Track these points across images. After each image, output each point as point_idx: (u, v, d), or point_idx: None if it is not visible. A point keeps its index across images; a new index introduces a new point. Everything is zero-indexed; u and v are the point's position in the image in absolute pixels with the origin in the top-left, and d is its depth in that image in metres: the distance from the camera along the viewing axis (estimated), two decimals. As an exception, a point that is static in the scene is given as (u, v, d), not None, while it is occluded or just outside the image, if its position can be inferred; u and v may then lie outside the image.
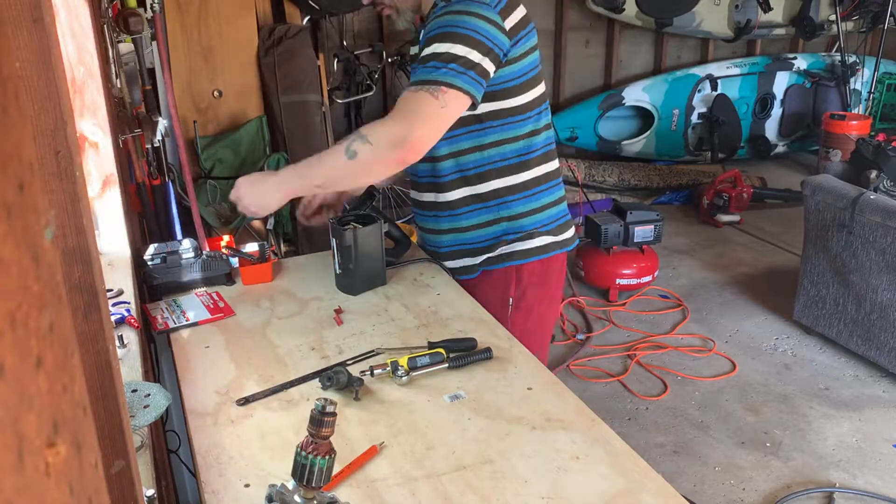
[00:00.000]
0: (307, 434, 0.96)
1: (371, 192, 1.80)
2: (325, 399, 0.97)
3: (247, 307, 1.67)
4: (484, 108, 1.58)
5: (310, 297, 1.71)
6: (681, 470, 2.59)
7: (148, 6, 3.01)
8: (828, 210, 3.16)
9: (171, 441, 1.70)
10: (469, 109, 1.51)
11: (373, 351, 1.46)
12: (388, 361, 1.36)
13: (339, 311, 1.63)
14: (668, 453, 2.68)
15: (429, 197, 1.76)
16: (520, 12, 1.62)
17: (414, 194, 1.83)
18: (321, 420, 0.95)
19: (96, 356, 0.58)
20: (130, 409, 1.14)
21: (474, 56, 1.48)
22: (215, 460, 1.15)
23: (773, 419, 2.85)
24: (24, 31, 0.48)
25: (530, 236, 1.73)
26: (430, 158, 1.64)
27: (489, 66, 1.52)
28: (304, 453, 0.96)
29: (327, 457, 0.96)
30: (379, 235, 1.72)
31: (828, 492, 2.46)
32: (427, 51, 1.50)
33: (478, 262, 1.76)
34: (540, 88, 1.69)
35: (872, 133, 4.75)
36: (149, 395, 1.18)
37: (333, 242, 1.71)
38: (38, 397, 0.29)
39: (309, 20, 4.05)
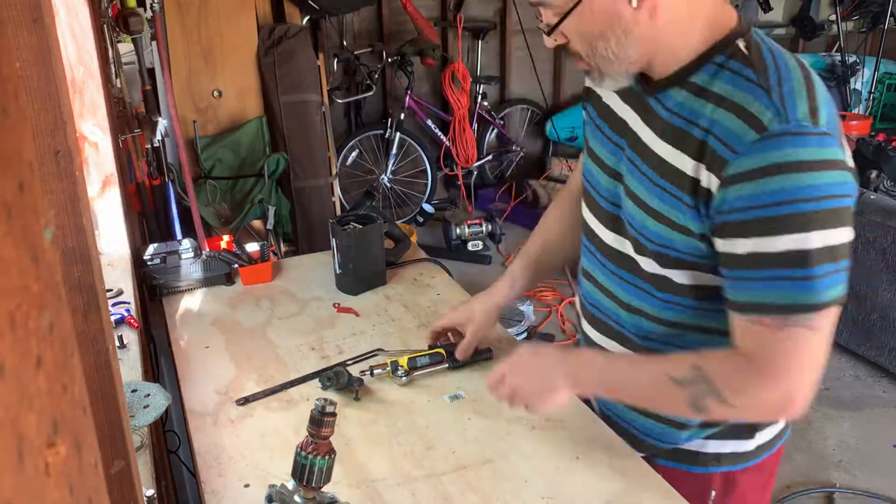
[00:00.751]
0: (307, 434, 0.95)
1: (370, 191, 1.85)
2: (325, 399, 0.96)
3: (247, 307, 1.67)
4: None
5: (310, 297, 1.71)
6: (681, 470, 2.59)
7: (148, 6, 3.02)
8: (828, 210, 3.16)
9: (171, 441, 1.70)
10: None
11: (373, 351, 1.46)
12: (388, 361, 1.36)
13: (339, 306, 1.66)
14: (668, 453, 2.68)
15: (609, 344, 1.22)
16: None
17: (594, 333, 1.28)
18: (321, 420, 0.95)
19: (96, 356, 0.58)
20: (130, 409, 1.14)
21: (846, 237, 0.92)
22: (215, 460, 1.15)
23: (773, 419, 2.85)
24: (24, 31, 0.48)
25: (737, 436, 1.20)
26: (638, 310, 1.13)
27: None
28: (304, 453, 0.95)
29: (327, 457, 0.95)
30: (379, 235, 1.72)
31: (828, 492, 2.46)
32: (764, 244, 0.90)
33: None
34: None
35: (873, 133, 4.75)
36: (149, 395, 1.18)
37: (333, 242, 1.71)
38: (38, 397, 0.29)
39: (309, 20, 4.05)
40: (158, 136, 2.76)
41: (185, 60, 3.49)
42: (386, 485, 1.09)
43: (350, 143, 4.61)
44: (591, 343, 1.26)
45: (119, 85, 2.66)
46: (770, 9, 5.49)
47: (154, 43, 3.22)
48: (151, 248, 1.81)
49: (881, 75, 5.79)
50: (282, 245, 3.75)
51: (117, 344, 1.40)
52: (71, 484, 0.32)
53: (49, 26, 0.49)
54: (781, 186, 0.87)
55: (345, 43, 4.53)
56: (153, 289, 1.73)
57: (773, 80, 0.91)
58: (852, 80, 5.67)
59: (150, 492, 1.03)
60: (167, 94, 3.14)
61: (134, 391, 1.19)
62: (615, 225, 1.12)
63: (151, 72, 3.30)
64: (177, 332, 1.58)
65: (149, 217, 3.00)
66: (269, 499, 0.98)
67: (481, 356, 1.40)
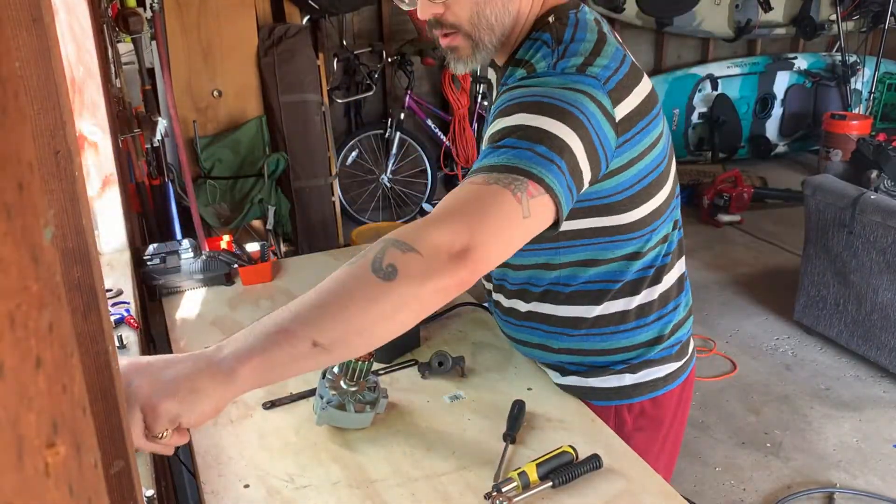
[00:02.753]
0: None
1: None
2: None
3: (247, 307, 1.67)
4: (567, 225, 1.09)
5: (310, 297, 1.71)
6: (681, 470, 2.58)
7: (148, 6, 3.02)
8: (828, 210, 3.16)
9: (171, 441, 1.70)
10: (548, 229, 0.97)
11: (408, 361, 1.43)
12: (516, 474, 1.08)
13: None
14: (668, 453, 2.68)
15: (510, 304, 1.29)
16: (642, 90, 1.11)
17: (497, 296, 1.33)
18: None
19: (96, 356, 0.58)
20: (130, 409, 1.13)
21: (577, 147, 0.97)
22: (215, 460, 1.15)
23: (773, 419, 2.85)
24: (23, 30, 0.48)
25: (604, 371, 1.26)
26: (518, 266, 1.22)
27: (586, 176, 1.00)
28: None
29: (365, 362, 1.17)
30: None
31: (828, 492, 2.46)
32: (504, 122, 0.98)
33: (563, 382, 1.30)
34: (662, 195, 1.16)
35: (873, 133, 4.75)
36: (149, 395, 1.18)
37: None
38: (37, 397, 0.29)
39: (309, 20, 4.05)
40: (158, 136, 2.76)
41: (185, 60, 3.49)
42: (386, 485, 1.09)
43: (350, 143, 4.61)
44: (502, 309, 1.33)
45: (119, 85, 2.66)
46: (770, 8, 5.49)
47: (154, 43, 3.22)
48: (151, 248, 1.81)
49: (881, 75, 5.79)
50: (282, 245, 3.75)
51: (117, 344, 1.40)
52: (71, 484, 0.32)
53: (49, 26, 0.49)
54: (525, 91, 1.02)
55: (345, 43, 4.53)
56: (153, 289, 1.73)
57: (565, 42, 1.06)
58: (852, 79, 5.67)
59: (150, 492, 1.03)
60: (167, 94, 3.14)
61: (134, 391, 1.19)
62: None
63: (151, 72, 3.30)
64: (177, 332, 1.57)
65: (149, 217, 3.00)
66: (323, 374, 1.20)
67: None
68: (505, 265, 1.22)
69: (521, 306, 1.26)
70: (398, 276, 0.84)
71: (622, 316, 1.22)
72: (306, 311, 0.86)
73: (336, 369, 1.20)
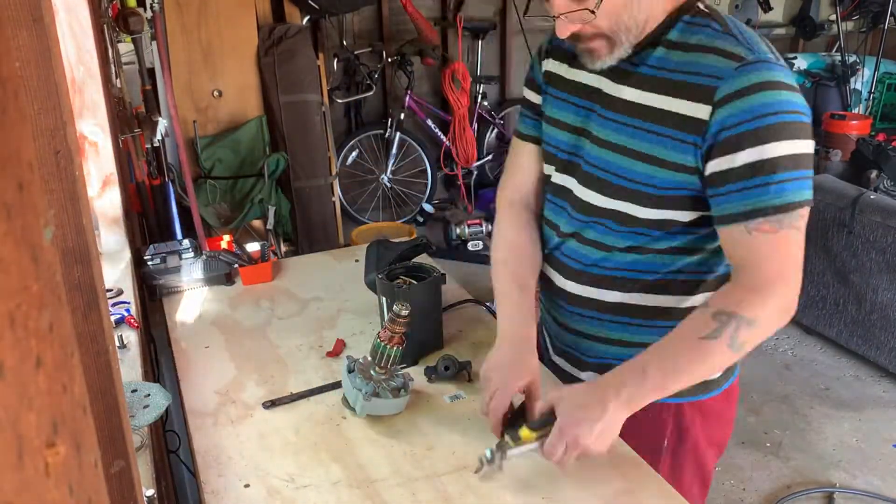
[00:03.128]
0: (385, 328, 1.22)
1: (424, 241, 1.59)
2: (402, 304, 1.21)
3: (247, 307, 1.67)
4: (681, 214, 1.15)
5: (310, 297, 1.71)
6: (681, 470, 2.59)
7: (148, 6, 3.02)
8: (828, 210, 3.16)
9: (171, 441, 1.70)
10: None
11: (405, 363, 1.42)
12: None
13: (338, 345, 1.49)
14: (668, 453, 2.68)
15: (589, 293, 1.26)
16: None
17: (575, 287, 1.27)
18: (396, 320, 1.21)
19: (96, 356, 0.58)
20: (130, 409, 1.14)
21: (812, 148, 1.06)
22: (215, 460, 1.15)
23: (773, 419, 2.85)
24: (23, 30, 0.48)
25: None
26: (633, 248, 1.20)
27: None
28: (381, 342, 1.22)
29: (396, 347, 1.22)
30: (437, 292, 1.45)
31: (828, 492, 2.46)
32: (766, 150, 1.02)
33: None
34: None
35: (873, 133, 4.76)
36: (149, 395, 1.18)
37: (383, 301, 1.44)
38: (37, 397, 0.29)
39: (309, 20, 4.05)
40: (158, 136, 2.76)
41: (185, 60, 3.50)
42: (386, 485, 1.09)
43: (350, 143, 4.61)
44: (554, 295, 1.32)
45: (119, 85, 2.66)
46: (770, 9, 5.49)
47: (154, 43, 3.22)
48: (151, 248, 1.81)
49: (881, 75, 5.79)
50: (282, 245, 3.75)
51: (117, 344, 1.40)
52: (71, 484, 0.32)
53: (49, 26, 0.49)
54: (765, 101, 1.02)
55: (345, 43, 4.53)
56: (153, 289, 1.73)
57: (735, 30, 1.08)
58: (852, 79, 5.67)
59: (150, 492, 1.03)
60: (167, 94, 3.14)
61: (134, 391, 1.19)
62: (598, 184, 1.19)
63: (151, 72, 3.30)
64: (177, 332, 1.57)
65: (149, 217, 3.00)
66: (350, 369, 1.23)
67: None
68: (601, 249, 1.22)
69: (610, 296, 1.24)
70: (745, 347, 1.09)
71: None
72: (674, 380, 1.08)
73: (363, 359, 1.25)
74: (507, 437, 1.08)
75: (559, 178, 1.27)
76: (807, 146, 1.03)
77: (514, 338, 1.20)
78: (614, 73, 1.15)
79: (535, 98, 1.32)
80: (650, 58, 1.12)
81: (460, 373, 1.35)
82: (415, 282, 1.43)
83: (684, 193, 1.12)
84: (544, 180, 1.32)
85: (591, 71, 1.18)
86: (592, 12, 1.05)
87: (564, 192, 1.26)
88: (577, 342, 1.32)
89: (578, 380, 1.32)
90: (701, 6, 1.11)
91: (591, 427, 1.02)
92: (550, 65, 1.28)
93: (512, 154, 1.38)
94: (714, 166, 1.06)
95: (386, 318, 1.30)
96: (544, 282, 1.34)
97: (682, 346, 1.07)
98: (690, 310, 1.14)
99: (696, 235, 1.17)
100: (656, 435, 1.28)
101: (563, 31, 1.08)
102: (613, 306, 1.24)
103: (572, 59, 1.22)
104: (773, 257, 1.05)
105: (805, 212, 1.04)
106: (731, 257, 1.10)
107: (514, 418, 1.11)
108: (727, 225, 1.07)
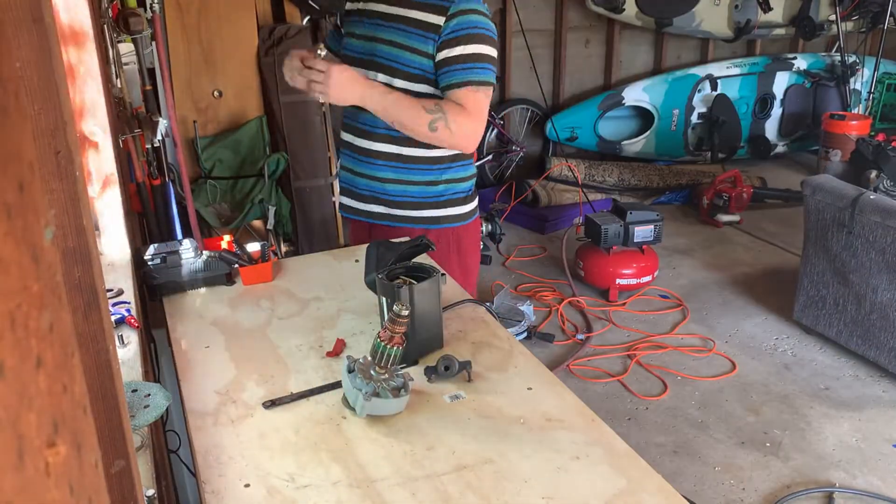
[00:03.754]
0: (386, 328, 1.24)
1: (425, 241, 1.60)
2: (402, 304, 1.24)
3: (247, 307, 1.67)
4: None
5: (310, 297, 1.71)
6: (681, 470, 2.59)
7: (148, 6, 3.01)
8: (828, 210, 3.16)
9: (171, 441, 1.70)
10: None
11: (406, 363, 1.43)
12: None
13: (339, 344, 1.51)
14: (668, 453, 2.68)
15: (384, 147, 1.94)
16: None
17: (361, 141, 1.97)
18: (396, 320, 1.23)
19: (96, 356, 0.58)
20: (130, 409, 1.14)
21: (495, 56, 1.85)
22: (215, 460, 1.15)
23: (773, 419, 2.85)
24: (24, 31, 0.48)
25: (466, 201, 2.03)
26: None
27: None
28: (381, 342, 1.24)
29: (396, 347, 1.24)
30: (437, 292, 1.46)
31: (828, 492, 2.46)
32: (469, 49, 1.78)
33: (422, 215, 2.01)
34: None
35: (872, 133, 4.76)
36: (149, 395, 1.18)
37: (383, 301, 1.45)
38: (38, 397, 0.29)
39: (309, 20, 4.05)
40: (158, 136, 2.76)
41: (185, 61, 3.49)
42: (386, 485, 1.09)
43: (350, 143, 4.61)
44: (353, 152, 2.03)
45: (119, 85, 2.66)
46: (770, 9, 5.49)
47: (154, 43, 3.22)
48: (151, 248, 1.82)
49: (881, 75, 5.79)
50: (282, 245, 3.75)
51: (117, 344, 1.40)
52: (71, 484, 0.32)
53: (49, 26, 0.49)
54: (473, 19, 1.79)
55: (345, 43, 4.53)
56: (153, 289, 1.73)
57: None
58: (852, 80, 5.67)
59: (151, 492, 1.03)
60: (167, 94, 3.14)
61: (134, 391, 1.19)
62: (372, 65, 1.88)
63: (151, 72, 3.29)
64: (177, 332, 1.58)
65: (149, 217, 3.00)
66: (350, 369, 1.24)
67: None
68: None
69: (385, 147, 1.94)
70: (435, 134, 1.79)
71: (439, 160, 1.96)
72: (391, 106, 1.81)
73: (363, 359, 1.26)
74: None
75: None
76: (494, 51, 1.82)
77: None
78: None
79: (340, 28, 2.07)
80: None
81: (460, 373, 1.35)
82: (415, 282, 1.43)
83: (420, 73, 1.83)
84: None
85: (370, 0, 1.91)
86: None
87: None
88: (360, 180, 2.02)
89: (366, 212, 2.05)
90: None
91: (338, 92, 1.78)
92: (349, 6, 2.00)
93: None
94: (443, 54, 1.79)
95: (386, 318, 1.30)
96: (344, 144, 2.05)
97: (412, 103, 1.78)
98: (439, 158, 1.93)
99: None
100: (447, 249, 1.98)
101: None
102: (385, 154, 1.94)
103: None
104: (474, 104, 1.79)
105: (489, 89, 1.82)
106: (452, 100, 1.80)
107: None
108: (450, 90, 1.79)
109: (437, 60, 1.80)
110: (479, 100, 1.79)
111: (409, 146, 1.91)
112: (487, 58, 1.80)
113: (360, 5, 1.96)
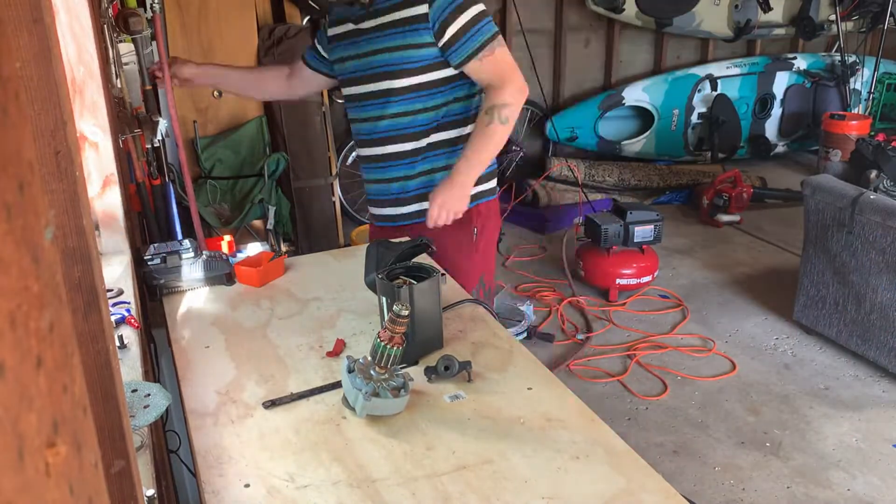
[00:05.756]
0: (385, 328, 1.24)
1: (425, 241, 1.61)
2: (402, 304, 1.24)
3: (247, 307, 1.67)
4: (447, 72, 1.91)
5: (310, 297, 1.71)
6: (681, 470, 2.59)
7: (148, 6, 3.01)
8: (828, 210, 3.16)
9: (171, 441, 1.70)
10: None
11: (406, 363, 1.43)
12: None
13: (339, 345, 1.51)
14: (668, 453, 2.68)
15: (394, 148, 1.98)
16: None
17: (372, 150, 2.02)
18: (396, 320, 1.23)
19: (96, 356, 0.58)
20: (130, 409, 1.14)
21: (484, 6, 1.88)
22: (215, 460, 1.15)
23: (773, 419, 2.85)
24: (24, 31, 0.48)
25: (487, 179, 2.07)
26: (403, 113, 1.93)
27: None
28: (381, 342, 1.24)
29: (396, 347, 1.24)
30: (437, 292, 1.46)
31: None
32: (463, 19, 1.81)
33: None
34: None
35: (872, 133, 4.75)
36: (149, 395, 1.18)
37: (383, 301, 1.45)
38: (38, 397, 0.29)
39: (309, 20, 4.05)
40: (158, 136, 2.76)
41: (185, 60, 3.49)
42: (386, 485, 1.09)
43: (350, 143, 4.61)
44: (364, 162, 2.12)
45: (119, 85, 2.66)
46: (770, 9, 5.49)
47: (154, 43, 3.22)
48: (151, 248, 1.82)
49: (881, 75, 5.79)
50: (282, 245, 3.75)
51: (117, 344, 1.40)
52: (71, 484, 0.32)
53: (49, 26, 0.49)
54: None
55: (345, 43, 4.53)
56: (153, 289, 1.73)
57: None
58: (852, 80, 5.67)
59: (151, 492, 1.03)
60: (167, 94, 3.14)
61: (134, 391, 1.19)
62: (371, 77, 1.92)
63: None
64: (177, 332, 1.58)
65: (149, 217, 3.00)
66: (350, 369, 1.24)
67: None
68: (416, 111, 1.93)
69: (411, 146, 1.97)
70: (510, 120, 1.86)
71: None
72: (478, 156, 1.90)
73: (363, 359, 1.26)
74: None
75: (349, 90, 2.00)
76: (482, 7, 1.83)
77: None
78: (358, 18, 1.90)
79: (322, 52, 2.09)
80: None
81: (460, 373, 1.35)
82: (415, 282, 1.43)
83: (425, 63, 1.85)
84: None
85: (344, 22, 1.94)
86: None
87: (355, 97, 1.99)
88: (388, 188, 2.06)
89: (405, 214, 2.06)
90: None
91: (459, 200, 1.87)
92: (330, 32, 2.02)
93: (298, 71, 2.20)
94: (446, 35, 1.81)
95: (385, 318, 1.30)
96: (361, 158, 2.10)
97: (478, 137, 1.86)
98: (468, 135, 1.93)
99: (441, 92, 1.90)
100: (468, 229, 2.00)
101: None
102: (409, 152, 1.98)
103: (336, 23, 1.99)
104: (499, 67, 1.84)
105: (499, 36, 1.84)
106: (479, 82, 1.89)
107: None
108: (467, 64, 1.84)
109: (440, 45, 1.82)
110: (496, 58, 1.83)
111: (419, 139, 1.96)
112: (480, 15, 1.82)
113: (340, 29, 1.98)
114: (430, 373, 1.36)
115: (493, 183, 2.11)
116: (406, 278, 1.46)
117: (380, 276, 1.45)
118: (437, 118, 1.94)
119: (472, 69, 1.84)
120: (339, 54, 2.00)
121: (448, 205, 1.85)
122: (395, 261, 1.52)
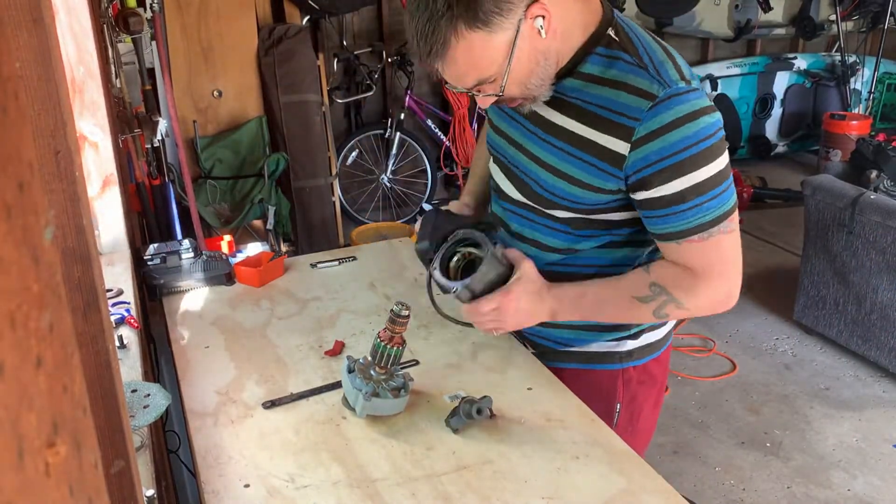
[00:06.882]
0: (386, 328, 1.21)
1: (490, 221, 1.45)
2: (402, 304, 1.21)
3: (247, 307, 1.67)
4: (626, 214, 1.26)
5: (310, 297, 1.71)
6: (681, 470, 2.59)
7: (148, 6, 3.01)
8: (828, 210, 3.16)
9: (171, 441, 1.70)
10: None
11: (411, 361, 1.42)
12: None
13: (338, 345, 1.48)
14: (668, 453, 2.68)
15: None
16: None
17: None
18: (396, 320, 1.21)
19: (96, 356, 0.58)
20: (130, 409, 1.14)
21: (727, 159, 1.17)
22: (215, 460, 1.15)
23: (773, 419, 2.85)
24: (23, 31, 0.48)
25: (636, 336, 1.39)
26: (568, 249, 1.32)
27: None
28: (381, 342, 1.22)
29: (396, 347, 1.22)
30: (496, 266, 1.27)
31: None
32: (678, 185, 1.13)
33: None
34: None
35: (872, 133, 4.75)
36: (149, 395, 1.18)
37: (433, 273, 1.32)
38: (38, 397, 0.29)
39: (309, 20, 4.05)
40: (158, 136, 2.76)
41: (185, 60, 3.50)
42: (386, 484, 1.09)
43: (350, 143, 4.61)
44: None
45: (119, 85, 2.66)
46: (770, 9, 5.49)
47: (154, 43, 3.22)
48: (151, 248, 1.81)
49: (881, 75, 5.79)
50: (282, 245, 3.75)
51: (117, 344, 1.40)
52: (71, 484, 0.32)
53: (49, 26, 0.49)
54: (682, 136, 1.10)
55: (345, 43, 4.53)
56: (153, 289, 1.73)
57: (645, 58, 1.14)
58: (852, 80, 5.67)
59: (150, 492, 1.03)
60: (167, 94, 3.14)
61: (134, 391, 1.19)
62: (518, 183, 1.33)
63: (151, 72, 3.30)
64: (177, 332, 1.57)
65: (149, 217, 3.00)
66: (350, 369, 1.23)
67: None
68: (579, 263, 1.32)
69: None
70: (667, 318, 1.27)
71: None
72: (599, 317, 1.31)
73: (363, 359, 1.25)
74: (436, 259, 1.28)
75: (499, 179, 1.40)
76: (724, 160, 1.15)
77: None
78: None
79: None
80: (568, 88, 1.20)
81: (484, 412, 1.20)
82: (475, 250, 1.29)
83: (586, 207, 1.24)
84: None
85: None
86: (499, 95, 1.16)
87: (503, 194, 1.39)
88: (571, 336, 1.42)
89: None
90: (612, 33, 1.18)
91: (518, 322, 1.28)
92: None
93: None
94: (642, 195, 1.17)
95: (387, 322, 1.25)
96: None
97: (616, 296, 1.25)
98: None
99: (619, 237, 1.29)
100: (610, 398, 1.40)
101: (484, 103, 1.21)
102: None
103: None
104: (706, 260, 1.20)
105: (734, 216, 1.18)
106: (666, 258, 1.24)
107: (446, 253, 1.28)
108: (660, 241, 1.22)
109: (634, 199, 1.19)
110: (715, 248, 1.19)
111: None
112: (713, 180, 1.13)
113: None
114: (457, 424, 1.20)
115: (666, 329, 1.42)
116: (463, 251, 1.31)
117: (434, 271, 1.30)
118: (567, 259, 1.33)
119: (664, 247, 1.22)
120: (498, 123, 1.36)
121: (503, 319, 1.27)
122: (452, 242, 1.32)
